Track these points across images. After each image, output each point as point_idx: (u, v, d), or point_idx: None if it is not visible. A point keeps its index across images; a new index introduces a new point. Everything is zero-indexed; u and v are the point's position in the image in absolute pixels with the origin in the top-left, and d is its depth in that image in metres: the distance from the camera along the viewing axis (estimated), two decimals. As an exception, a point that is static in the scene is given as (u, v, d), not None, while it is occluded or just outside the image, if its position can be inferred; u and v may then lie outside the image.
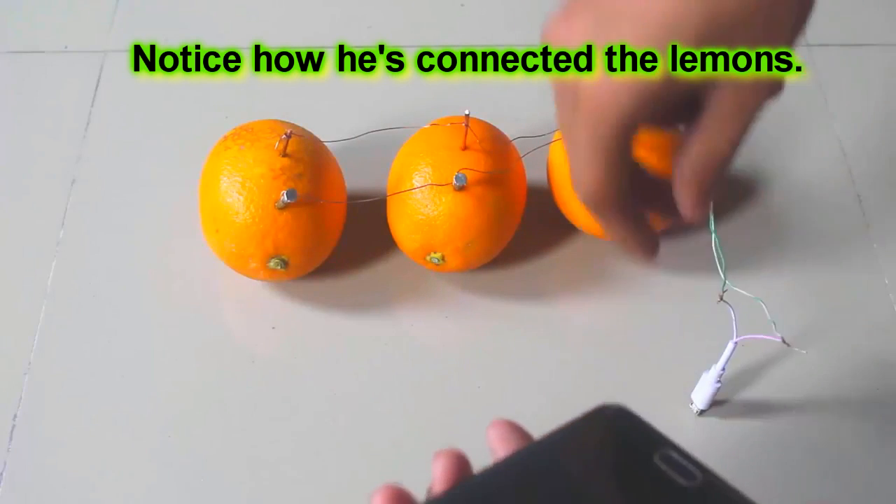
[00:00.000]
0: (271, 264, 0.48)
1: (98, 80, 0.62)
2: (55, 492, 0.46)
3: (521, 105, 0.60)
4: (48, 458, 0.47)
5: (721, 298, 0.42)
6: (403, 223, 0.50)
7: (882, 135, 0.61)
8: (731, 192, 0.58)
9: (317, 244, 0.50)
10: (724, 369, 0.46)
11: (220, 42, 0.64)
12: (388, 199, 0.51)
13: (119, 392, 0.49)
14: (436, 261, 0.50)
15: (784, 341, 0.42)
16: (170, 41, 0.64)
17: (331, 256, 0.52)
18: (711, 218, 0.39)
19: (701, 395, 0.48)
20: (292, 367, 0.51)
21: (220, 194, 0.48)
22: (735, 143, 0.34)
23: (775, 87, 0.32)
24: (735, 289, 0.42)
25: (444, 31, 0.65)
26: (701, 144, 0.34)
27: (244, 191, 0.47)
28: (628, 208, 0.35)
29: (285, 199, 0.46)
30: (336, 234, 0.52)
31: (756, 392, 0.50)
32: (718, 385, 0.47)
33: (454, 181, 0.47)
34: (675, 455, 0.29)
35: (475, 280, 0.54)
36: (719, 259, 0.41)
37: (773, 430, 0.49)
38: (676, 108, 0.34)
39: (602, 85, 0.32)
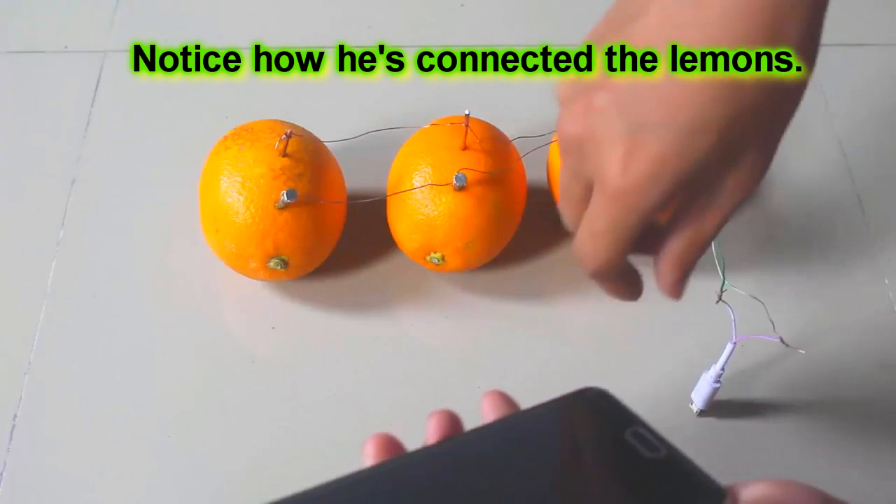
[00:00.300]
0: (271, 264, 0.48)
1: (98, 80, 0.62)
2: (55, 492, 0.46)
3: (521, 105, 0.60)
4: (48, 458, 0.47)
5: (720, 299, 0.42)
6: (403, 223, 0.50)
7: (882, 135, 0.61)
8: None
9: (317, 244, 0.50)
10: (723, 369, 0.46)
11: (220, 42, 0.64)
12: (388, 199, 0.51)
13: (119, 392, 0.49)
14: (436, 261, 0.50)
15: (783, 341, 0.42)
16: (170, 41, 0.64)
17: (331, 256, 0.52)
18: None
19: (700, 395, 0.48)
20: (292, 367, 0.51)
21: (220, 194, 0.48)
22: (721, 227, 0.35)
23: (760, 175, 0.34)
24: (734, 288, 0.42)
25: (444, 31, 0.65)
26: (696, 227, 0.35)
27: (244, 191, 0.47)
28: (626, 271, 0.37)
29: (285, 199, 0.46)
30: (336, 234, 0.52)
31: (756, 392, 0.50)
32: (718, 385, 0.47)
33: (454, 181, 0.47)
34: (644, 432, 0.32)
35: (475, 280, 0.54)
36: (719, 259, 0.42)
37: (772, 430, 0.49)
38: None
39: (636, 174, 0.32)
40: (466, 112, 0.48)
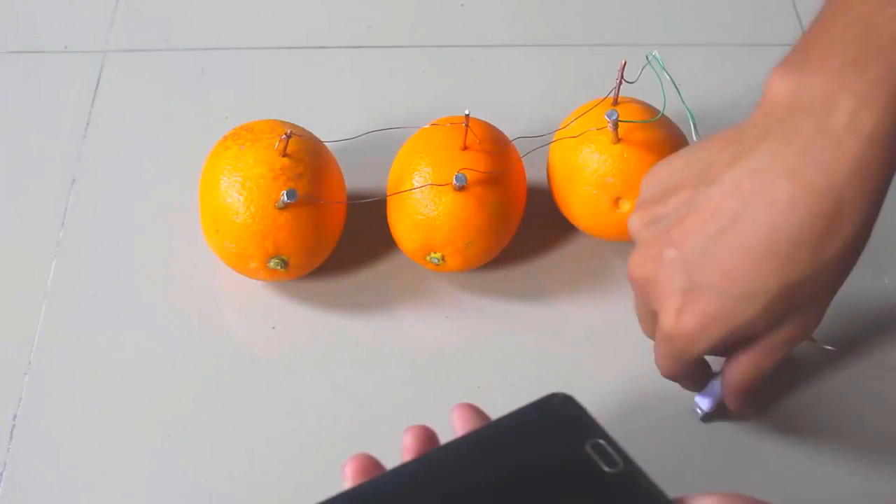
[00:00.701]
0: (271, 264, 0.48)
1: (98, 80, 0.62)
2: (55, 492, 0.46)
3: (521, 105, 0.60)
4: (48, 458, 0.47)
5: None
6: (403, 223, 0.50)
7: (882, 135, 0.61)
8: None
9: (317, 244, 0.50)
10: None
11: (219, 42, 0.64)
12: (388, 199, 0.51)
13: (119, 392, 0.49)
14: (436, 261, 0.50)
15: (813, 341, 0.44)
16: (170, 41, 0.64)
17: (331, 256, 0.52)
18: None
19: (706, 398, 0.47)
20: (292, 367, 0.51)
21: (220, 194, 0.48)
22: (777, 362, 0.40)
23: (812, 329, 0.39)
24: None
25: (444, 31, 0.65)
26: (749, 364, 0.40)
27: (244, 191, 0.47)
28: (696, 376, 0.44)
29: (285, 199, 0.46)
30: (336, 234, 0.52)
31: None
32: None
33: (454, 181, 0.47)
34: (604, 444, 0.34)
35: (475, 280, 0.54)
36: None
37: (772, 430, 0.49)
38: None
39: (686, 326, 0.38)
40: (466, 112, 0.48)
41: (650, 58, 0.47)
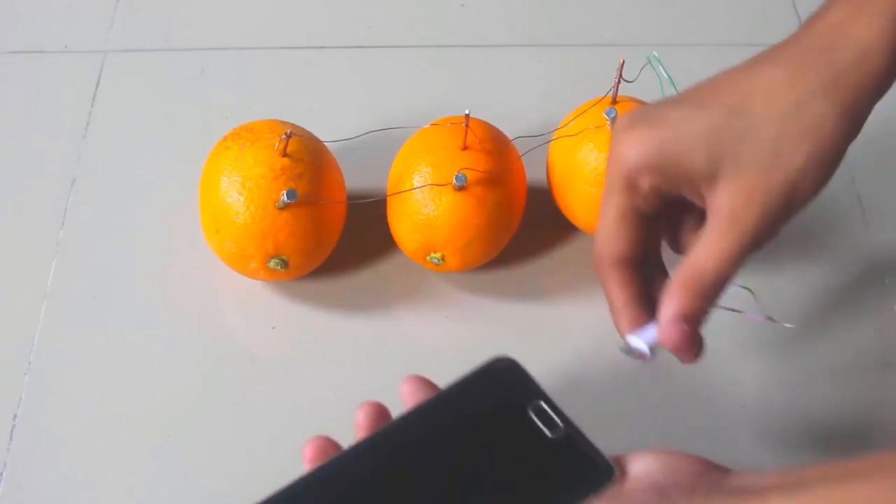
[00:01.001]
0: (271, 264, 0.48)
1: (98, 80, 0.62)
2: (55, 492, 0.46)
3: (521, 105, 0.60)
4: (48, 458, 0.47)
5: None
6: (403, 223, 0.50)
7: (882, 135, 0.61)
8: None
9: (317, 244, 0.50)
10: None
11: (219, 42, 0.64)
12: (388, 199, 0.51)
13: (119, 392, 0.49)
14: (436, 261, 0.50)
15: (770, 318, 0.41)
16: (170, 41, 0.64)
17: (331, 256, 0.52)
18: None
19: (642, 337, 0.39)
20: (292, 367, 0.51)
21: (220, 194, 0.48)
22: (727, 260, 0.37)
23: (792, 190, 0.37)
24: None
25: (444, 31, 0.65)
26: (691, 255, 0.37)
27: (244, 191, 0.47)
28: (623, 279, 0.39)
29: (285, 199, 0.46)
30: (336, 234, 0.52)
31: (756, 393, 0.50)
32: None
33: (454, 181, 0.47)
34: (545, 407, 0.35)
35: (475, 280, 0.54)
36: None
37: (770, 431, 0.49)
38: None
39: (626, 131, 0.37)
40: (466, 112, 0.48)
41: (650, 58, 0.47)
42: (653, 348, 0.39)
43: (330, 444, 0.35)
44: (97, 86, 0.62)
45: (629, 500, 0.32)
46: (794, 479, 0.31)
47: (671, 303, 0.36)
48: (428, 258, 0.50)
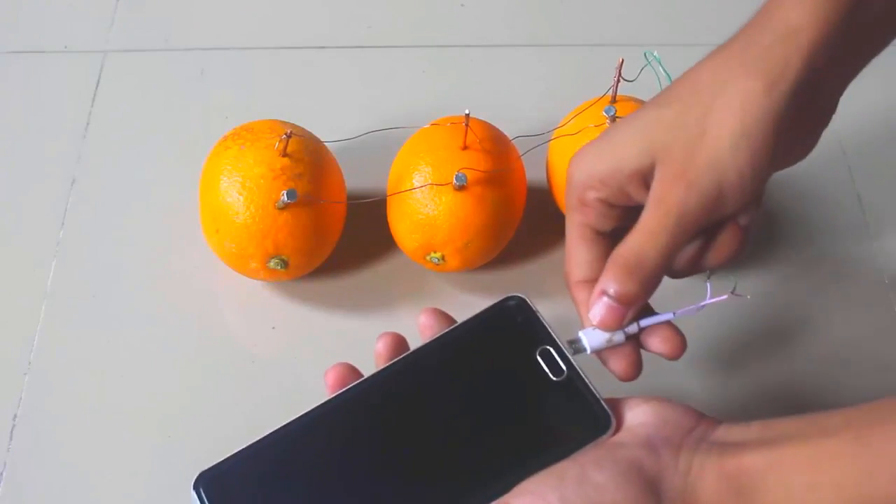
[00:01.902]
0: (271, 264, 0.48)
1: (98, 80, 0.62)
2: (55, 492, 0.46)
3: (521, 105, 0.60)
4: (48, 458, 0.47)
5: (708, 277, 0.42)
6: (403, 223, 0.50)
7: (882, 135, 0.61)
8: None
9: (317, 244, 0.50)
10: (640, 328, 0.39)
11: (219, 42, 0.64)
12: (388, 199, 0.51)
13: (119, 392, 0.49)
14: (436, 261, 0.50)
15: (734, 293, 0.39)
16: (170, 41, 0.64)
17: (331, 256, 0.52)
18: None
19: (592, 337, 0.38)
20: (292, 367, 0.51)
21: (220, 194, 0.48)
22: (653, 239, 0.36)
23: (720, 167, 0.36)
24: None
25: (444, 31, 0.65)
26: (624, 239, 0.37)
27: (244, 191, 0.47)
28: (587, 299, 0.39)
29: (285, 199, 0.46)
30: (336, 234, 0.52)
31: (755, 391, 0.50)
32: (614, 339, 0.38)
33: (454, 181, 0.47)
34: (552, 351, 0.36)
35: (475, 280, 0.54)
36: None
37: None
38: None
39: (576, 156, 0.39)
40: (466, 112, 0.48)
41: (648, 56, 0.47)
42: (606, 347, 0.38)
43: (351, 371, 0.37)
44: (97, 86, 0.62)
45: (620, 453, 0.33)
46: (772, 433, 0.33)
47: (598, 282, 0.37)
48: (428, 258, 0.50)
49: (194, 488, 0.35)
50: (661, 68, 0.47)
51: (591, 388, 0.36)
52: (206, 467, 0.36)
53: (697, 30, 0.65)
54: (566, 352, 0.36)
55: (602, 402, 0.35)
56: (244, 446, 0.36)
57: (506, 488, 0.33)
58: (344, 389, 0.36)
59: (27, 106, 0.61)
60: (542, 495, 0.33)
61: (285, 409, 0.49)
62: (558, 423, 0.35)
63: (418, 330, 0.38)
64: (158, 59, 0.63)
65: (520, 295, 0.38)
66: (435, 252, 0.50)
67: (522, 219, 0.52)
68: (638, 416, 0.35)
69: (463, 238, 0.49)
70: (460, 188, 0.48)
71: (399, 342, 0.38)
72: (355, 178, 0.54)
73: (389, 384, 0.36)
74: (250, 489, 0.35)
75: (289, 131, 0.47)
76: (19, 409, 0.49)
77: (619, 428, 0.35)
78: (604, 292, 0.37)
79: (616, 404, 0.36)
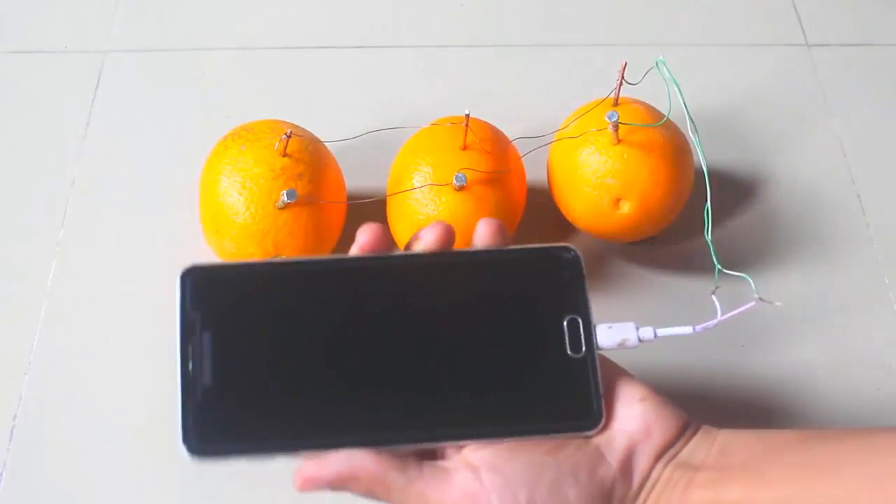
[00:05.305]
0: (271, 264, 0.48)
1: (98, 80, 0.62)
2: (55, 492, 0.46)
3: (521, 105, 0.60)
4: (48, 458, 0.47)
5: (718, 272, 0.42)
6: (403, 223, 0.50)
7: (882, 135, 0.61)
8: (730, 191, 0.58)
9: (317, 244, 0.50)
10: (655, 336, 0.38)
11: (219, 42, 0.64)
12: (387, 199, 0.51)
13: (119, 392, 0.49)
14: (436, 261, 0.50)
15: (761, 300, 0.40)
16: (170, 41, 0.64)
17: (331, 256, 0.52)
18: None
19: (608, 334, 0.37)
20: (292, 367, 0.51)
21: (220, 194, 0.48)
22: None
23: None
24: (726, 271, 0.42)
25: (444, 31, 0.65)
26: None
27: (244, 191, 0.47)
28: None
29: (285, 199, 0.46)
30: (336, 235, 0.52)
31: (755, 391, 0.50)
32: (631, 343, 0.38)
33: (454, 181, 0.47)
34: (580, 324, 0.34)
35: (475, 280, 0.54)
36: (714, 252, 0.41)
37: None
38: None
39: None
40: (466, 112, 0.48)
41: (658, 63, 0.47)
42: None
43: (384, 239, 0.36)
44: (97, 86, 0.62)
45: (600, 472, 0.34)
46: (723, 469, 0.34)
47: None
48: (428, 258, 0.50)
49: (181, 278, 0.33)
50: (669, 76, 0.47)
51: (598, 380, 0.34)
52: (199, 263, 0.34)
53: (697, 30, 0.65)
54: (594, 334, 0.35)
55: (601, 398, 0.34)
56: (255, 261, 0.35)
57: (474, 432, 0.33)
58: (368, 255, 0.35)
59: (27, 106, 0.61)
60: (513, 488, 0.32)
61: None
62: (552, 397, 0.34)
63: (473, 233, 0.37)
64: (158, 59, 0.63)
65: (577, 250, 0.36)
66: (435, 252, 0.50)
67: (522, 220, 0.52)
68: (626, 420, 0.35)
69: (463, 239, 0.49)
70: (460, 188, 0.48)
71: (449, 233, 0.37)
72: (355, 178, 0.54)
73: (413, 271, 0.35)
74: (236, 301, 0.33)
75: (289, 131, 0.47)
76: (19, 409, 0.49)
77: (606, 427, 0.34)
78: None
79: (610, 395, 0.35)
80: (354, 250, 0.36)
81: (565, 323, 0.34)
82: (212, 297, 0.33)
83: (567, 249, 0.36)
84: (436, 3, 0.67)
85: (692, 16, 0.66)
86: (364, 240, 0.36)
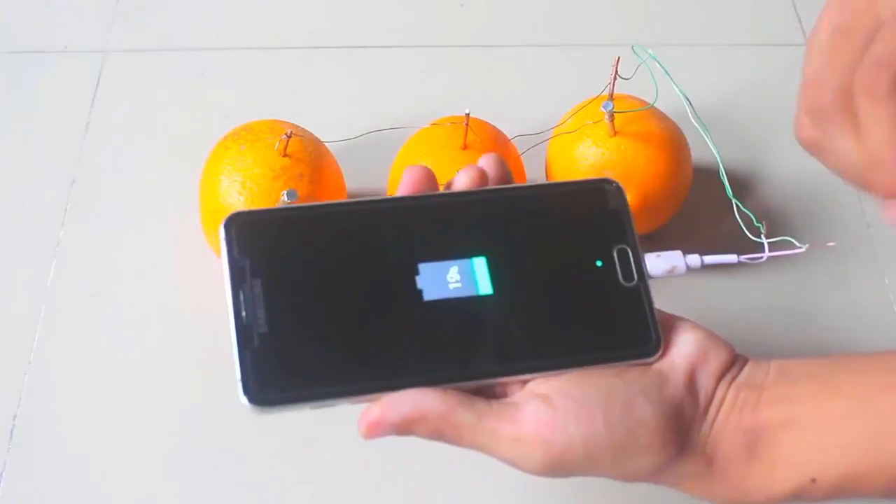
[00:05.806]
0: (271, 264, 0.48)
1: (98, 80, 0.62)
2: (55, 492, 0.46)
3: (520, 104, 0.60)
4: (48, 458, 0.47)
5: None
6: (403, 223, 0.50)
7: (882, 135, 0.61)
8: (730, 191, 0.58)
9: (317, 244, 0.50)
10: (703, 264, 0.37)
11: (219, 42, 0.64)
12: (388, 198, 0.51)
13: (119, 392, 0.49)
14: (436, 261, 0.50)
15: (814, 245, 0.40)
16: (170, 41, 0.64)
17: (331, 256, 0.52)
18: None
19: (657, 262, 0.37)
20: (292, 367, 0.51)
21: (220, 194, 0.48)
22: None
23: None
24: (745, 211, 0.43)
25: (444, 31, 0.65)
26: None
27: (244, 191, 0.47)
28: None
29: (285, 199, 0.46)
30: (336, 234, 0.52)
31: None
32: (679, 272, 0.37)
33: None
34: (630, 255, 0.34)
35: (475, 280, 0.54)
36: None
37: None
38: None
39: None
40: (466, 112, 0.48)
41: (637, 49, 0.47)
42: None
43: (428, 180, 0.35)
44: (97, 86, 0.62)
45: (668, 391, 0.33)
46: (788, 386, 0.35)
47: None
48: (428, 258, 0.50)
49: (224, 226, 0.32)
50: (657, 65, 0.47)
51: (652, 307, 0.34)
52: (241, 210, 0.33)
53: (697, 30, 0.65)
54: (643, 261, 0.34)
55: (657, 325, 0.34)
56: (299, 204, 0.35)
57: (539, 365, 0.32)
58: (415, 194, 0.34)
59: (27, 106, 0.61)
60: (588, 409, 0.32)
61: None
62: (610, 326, 0.33)
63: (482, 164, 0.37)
64: (158, 59, 0.63)
65: (618, 182, 0.35)
66: (435, 252, 0.50)
67: (522, 219, 0.52)
68: (682, 345, 0.34)
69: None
70: (460, 188, 0.48)
71: (482, 177, 0.36)
72: (355, 178, 0.54)
73: (462, 207, 0.34)
74: (283, 245, 0.32)
75: (289, 131, 0.47)
76: (19, 409, 0.49)
77: (664, 354, 0.34)
78: None
79: (665, 325, 0.35)
80: (400, 191, 0.35)
81: (615, 253, 0.34)
82: (258, 243, 0.32)
83: (608, 181, 0.35)
84: (436, 3, 0.67)
85: (692, 16, 0.66)
86: (409, 179, 0.35)
